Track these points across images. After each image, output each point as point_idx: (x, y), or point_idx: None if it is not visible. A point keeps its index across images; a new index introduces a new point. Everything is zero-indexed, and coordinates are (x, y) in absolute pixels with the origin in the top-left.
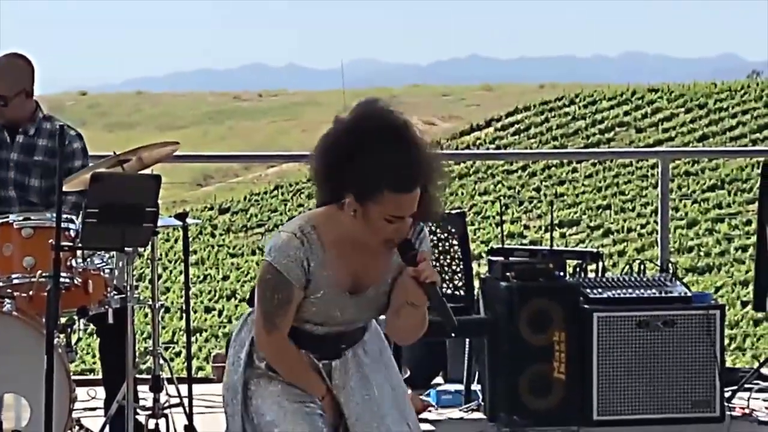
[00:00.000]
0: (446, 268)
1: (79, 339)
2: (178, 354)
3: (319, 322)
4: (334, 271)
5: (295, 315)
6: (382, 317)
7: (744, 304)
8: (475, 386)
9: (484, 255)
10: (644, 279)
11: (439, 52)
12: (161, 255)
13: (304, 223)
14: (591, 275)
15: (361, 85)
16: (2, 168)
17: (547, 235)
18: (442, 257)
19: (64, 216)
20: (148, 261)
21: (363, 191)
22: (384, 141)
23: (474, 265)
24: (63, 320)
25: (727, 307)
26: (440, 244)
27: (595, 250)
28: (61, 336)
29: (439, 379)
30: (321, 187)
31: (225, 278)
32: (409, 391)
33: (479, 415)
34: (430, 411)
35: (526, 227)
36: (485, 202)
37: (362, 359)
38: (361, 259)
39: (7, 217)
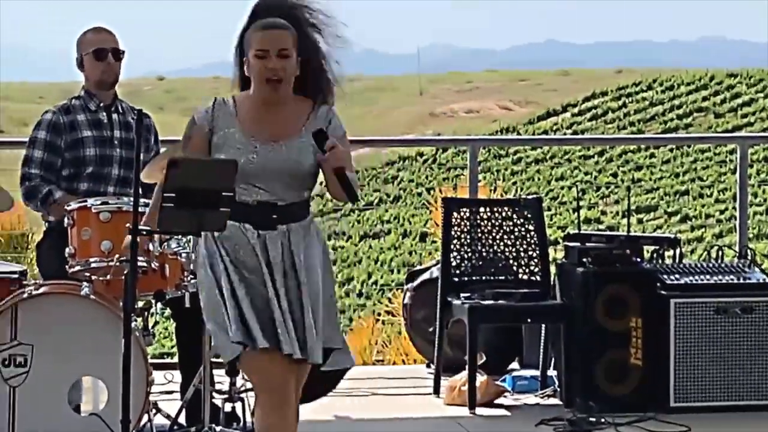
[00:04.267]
0: (522, 254)
1: (156, 323)
2: None
3: (244, 185)
4: (244, 124)
5: None
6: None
7: None
8: (551, 372)
9: (560, 241)
10: (722, 265)
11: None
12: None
13: (222, 97)
14: (668, 261)
15: (436, 70)
16: (105, 146)
17: (624, 221)
18: (518, 242)
19: (142, 200)
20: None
21: (245, 44)
22: (263, 10)
23: (550, 250)
24: (140, 304)
25: None
26: (516, 230)
27: (672, 235)
28: (139, 320)
29: (514, 365)
30: (239, 74)
31: None
32: (485, 377)
33: (555, 401)
34: (505, 396)
35: (603, 213)
36: (562, 188)
37: (300, 252)
38: (269, 116)
39: (85, 201)
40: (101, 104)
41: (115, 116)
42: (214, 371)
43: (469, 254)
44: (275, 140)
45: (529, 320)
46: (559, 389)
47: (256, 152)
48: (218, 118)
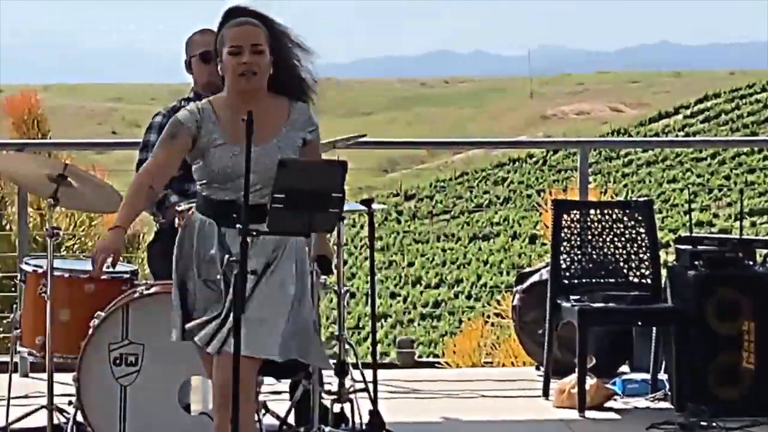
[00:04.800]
0: (633, 256)
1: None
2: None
3: (218, 183)
4: (224, 127)
5: (203, 173)
6: None
7: None
8: (662, 375)
9: (671, 243)
10: None
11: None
12: (347, 241)
13: (201, 103)
14: None
15: (547, 72)
16: None
17: (737, 224)
18: (628, 245)
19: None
20: (334, 246)
21: (218, 44)
22: (233, 13)
23: (661, 253)
24: None
25: None
26: (626, 232)
27: None
28: None
29: (625, 368)
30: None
31: (410, 264)
32: (595, 380)
33: (665, 404)
34: (615, 400)
35: (715, 215)
36: (673, 190)
37: (265, 255)
38: (244, 110)
39: (178, 203)
40: None
41: None
42: (324, 372)
43: (579, 256)
44: (254, 142)
45: (639, 323)
46: (669, 393)
47: (235, 155)
48: (203, 120)
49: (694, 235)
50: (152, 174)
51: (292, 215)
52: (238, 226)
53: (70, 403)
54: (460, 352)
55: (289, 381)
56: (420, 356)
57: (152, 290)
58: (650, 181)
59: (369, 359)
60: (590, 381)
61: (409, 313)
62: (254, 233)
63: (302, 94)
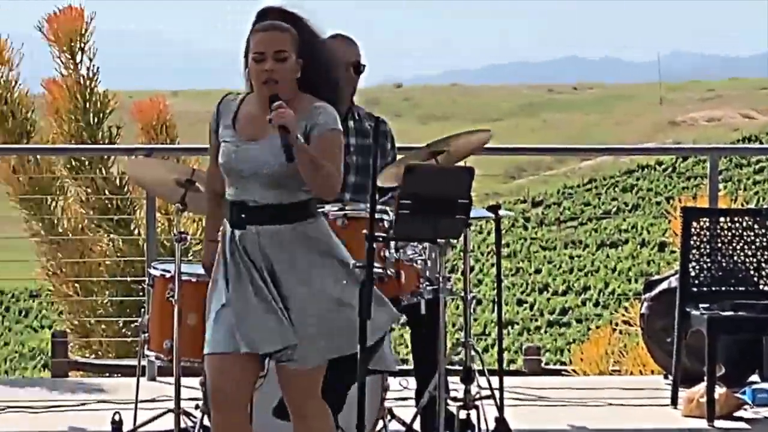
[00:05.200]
0: (764, 265)
1: (392, 329)
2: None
3: (228, 181)
4: (239, 122)
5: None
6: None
7: None
8: None
9: None
10: None
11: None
12: (474, 247)
13: (231, 95)
14: None
15: (678, 79)
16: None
17: None
18: (759, 253)
19: (378, 207)
20: (461, 253)
21: (245, 49)
22: (265, 14)
23: None
24: None
25: None
26: (757, 240)
27: None
28: None
29: (754, 377)
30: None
31: (537, 271)
32: (724, 389)
33: None
34: (745, 409)
35: None
36: None
37: (278, 259)
38: (263, 115)
39: (322, 207)
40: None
41: (350, 123)
42: (450, 378)
43: (709, 264)
44: (254, 138)
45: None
46: None
47: (236, 150)
48: (221, 115)
49: None
50: (211, 181)
51: (418, 221)
52: (249, 227)
53: (197, 407)
54: (587, 359)
55: (414, 387)
56: (547, 363)
57: None
58: None
59: (495, 366)
60: (719, 390)
61: (536, 320)
62: (379, 239)
63: (331, 94)
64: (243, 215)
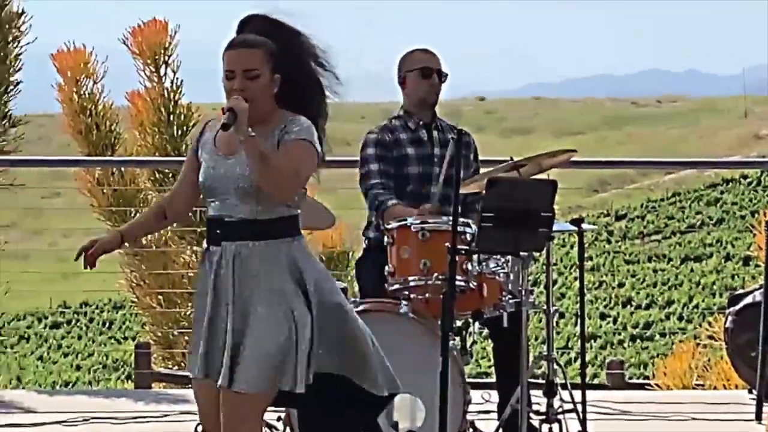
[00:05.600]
0: None
1: (474, 342)
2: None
3: (206, 197)
4: (219, 140)
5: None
6: None
7: None
8: None
9: None
10: None
11: None
12: (557, 260)
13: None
14: None
15: (762, 91)
16: (426, 163)
17: None
18: None
19: (461, 219)
20: (544, 266)
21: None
22: (247, 24)
23: None
24: (458, 323)
25: None
26: None
27: None
28: (457, 339)
29: None
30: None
31: (620, 285)
32: None
33: None
34: None
35: None
36: None
37: (253, 277)
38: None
39: (405, 220)
40: (421, 122)
41: (435, 133)
42: (532, 392)
43: None
44: (231, 153)
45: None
46: None
47: (214, 167)
48: (204, 135)
49: None
50: (169, 196)
51: (501, 234)
52: (225, 243)
53: (279, 418)
54: (670, 374)
55: (497, 400)
56: (630, 378)
57: (361, 308)
58: None
59: (578, 380)
60: None
61: (619, 334)
62: (462, 251)
63: (309, 109)
64: (219, 231)
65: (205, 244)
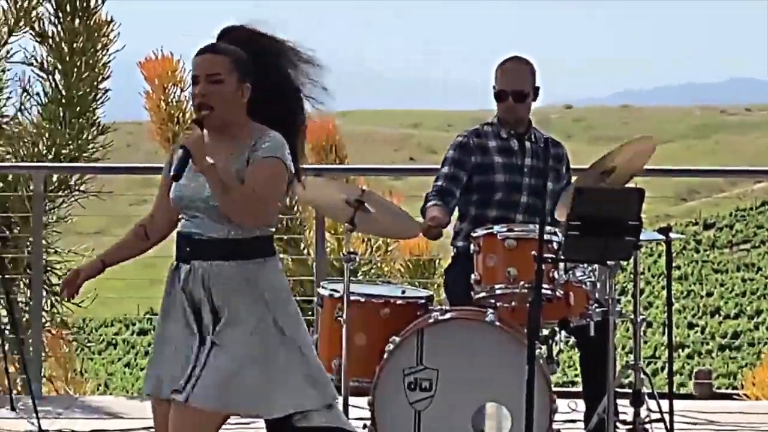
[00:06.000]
0: None
1: (560, 351)
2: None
3: (176, 208)
4: (193, 162)
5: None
6: None
7: None
8: None
9: None
10: None
11: None
12: (644, 269)
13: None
14: None
15: None
16: (515, 173)
17: None
18: None
19: (548, 228)
20: (631, 275)
21: None
22: (223, 35)
23: None
24: (544, 331)
25: None
26: None
27: None
28: (543, 347)
29: None
30: None
31: (709, 294)
32: None
33: None
34: None
35: None
36: None
37: (221, 297)
38: (212, 144)
39: (491, 228)
40: (513, 132)
41: (527, 144)
42: (619, 401)
43: None
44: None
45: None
46: None
47: (185, 184)
48: (176, 152)
49: None
50: (149, 216)
51: (587, 242)
52: (194, 261)
53: (365, 426)
54: (759, 383)
55: (583, 409)
56: (718, 387)
57: (447, 316)
58: None
59: (665, 389)
60: None
61: (707, 343)
62: (548, 260)
63: (285, 119)
64: (188, 248)
65: (174, 261)
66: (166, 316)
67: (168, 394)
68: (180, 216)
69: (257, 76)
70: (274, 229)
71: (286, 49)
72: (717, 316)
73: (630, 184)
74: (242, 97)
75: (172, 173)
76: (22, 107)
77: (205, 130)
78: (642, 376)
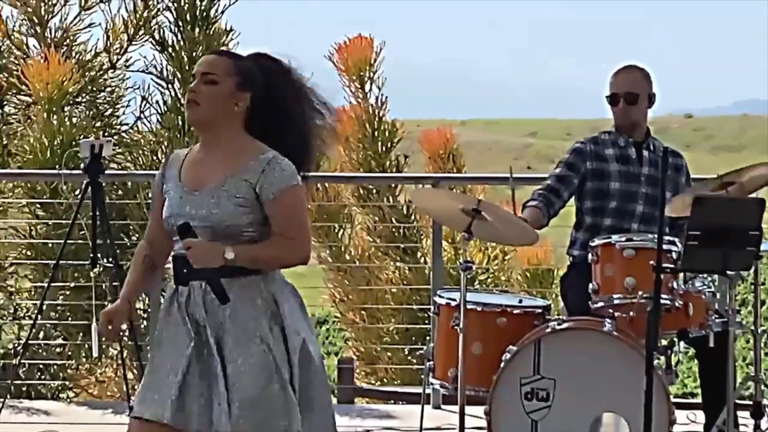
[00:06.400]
0: None
1: (679, 361)
2: None
3: (171, 229)
4: (184, 171)
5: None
6: None
7: None
8: None
9: None
10: None
11: None
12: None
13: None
14: None
15: None
16: (631, 182)
17: None
18: None
19: (666, 238)
20: (751, 285)
21: None
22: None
23: None
24: (663, 342)
25: None
26: None
27: None
28: (661, 358)
29: None
30: None
31: None
32: None
33: None
34: None
35: None
36: None
37: (222, 317)
38: (205, 160)
39: (609, 237)
40: (631, 140)
41: (645, 153)
42: (739, 413)
43: None
44: (196, 188)
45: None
46: None
47: (180, 202)
48: (169, 166)
49: None
50: (147, 242)
51: (707, 252)
52: (193, 283)
53: (486, 413)
54: None
55: (703, 421)
56: None
57: (564, 325)
58: None
59: None
60: None
61: None
62: (667, 270)
63: (295, 140)
64: (186, 270)
65: (171, 284)
66: (165, 340)
67: (188, 424)
68: (174, 238)
69: (267, 94)
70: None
71: (303, 87)
72: None
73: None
74: (236, 104)
75: (222, 302)
76: (142, 115)
77: (197, 145)
78: (762, 387)
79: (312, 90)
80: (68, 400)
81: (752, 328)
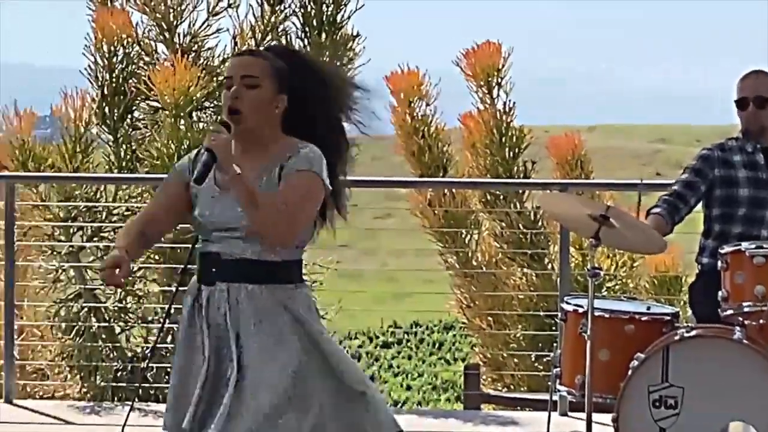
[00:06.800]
0: None
1: None
2: None
3: (204, 234)
4: (219, 168)
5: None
6: None
7: None
8: None
9: None
10: None
11: None
12: None
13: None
14: None
15: None
16: (760, 188)
17: None
18: None
19: None
20: None
21: None
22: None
23: None
24: None
25: None
26: None
27: None
28: None
29: None
30: None
31: None
32: None
33: None
34: None
35: None
36: None
37: (247, 324)
38: (240, 159)
39: (739, 245)
40: (758, 146)
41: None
42: None
43: None
44: (228, 187)
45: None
46: None
47: (213, 201)
48: (197, 161)
49: None
50: (145, 221)
51: None
52: (219, 283)
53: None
54: None
55: None
56: None
57: (693, 333)
58: None
59: None
60: None
61: None
62: None
63: (327, 134)
64: (214, 269)
65: (195, 283)
66: (186, 345)
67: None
68: (204, 237)
69: (294, 90)
70: (304, 254)
71: (329, 71)
72: None
73: None
74: (276, 109)
75: (194, 177)
76: None
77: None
78: None
79: (338, 72)
80: None
81: None
